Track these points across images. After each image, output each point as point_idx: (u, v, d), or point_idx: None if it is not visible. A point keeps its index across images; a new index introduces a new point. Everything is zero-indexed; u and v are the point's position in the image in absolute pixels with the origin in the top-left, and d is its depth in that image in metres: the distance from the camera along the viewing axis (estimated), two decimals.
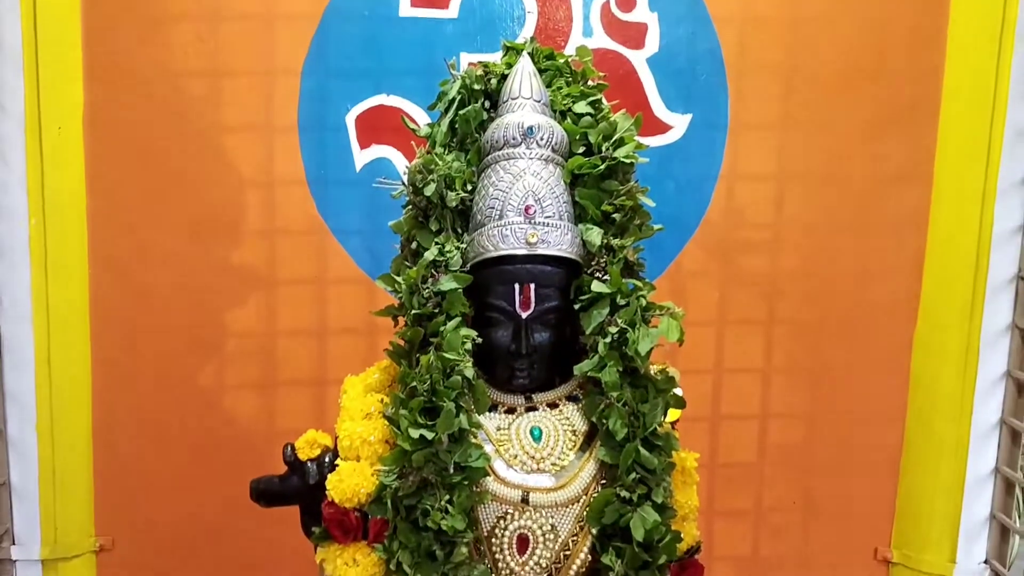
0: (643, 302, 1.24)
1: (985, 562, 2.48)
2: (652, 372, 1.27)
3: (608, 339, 1.23)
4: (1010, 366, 2.39)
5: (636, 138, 1.31)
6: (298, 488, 1.28)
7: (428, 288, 1.23)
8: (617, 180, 1.30)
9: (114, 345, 2.49)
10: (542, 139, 1.28)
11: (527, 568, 1.25)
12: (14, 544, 2.47)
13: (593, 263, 1.27)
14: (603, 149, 1.29)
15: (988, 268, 2.32)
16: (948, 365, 2.42)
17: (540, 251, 1.24)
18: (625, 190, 1.28)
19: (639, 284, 1.26)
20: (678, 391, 1.28)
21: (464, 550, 1.18)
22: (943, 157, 2.33)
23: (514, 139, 1.28)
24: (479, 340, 1.23)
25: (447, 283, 1.23)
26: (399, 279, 1.25)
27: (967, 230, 2.33)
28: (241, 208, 2.36)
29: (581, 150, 1.31)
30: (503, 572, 1.25)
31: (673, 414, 1.30)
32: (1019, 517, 2.44)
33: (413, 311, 1.22)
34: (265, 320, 2.48)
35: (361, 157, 2.29)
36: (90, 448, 2.52)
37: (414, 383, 1.19)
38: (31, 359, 2.39)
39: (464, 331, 1.22)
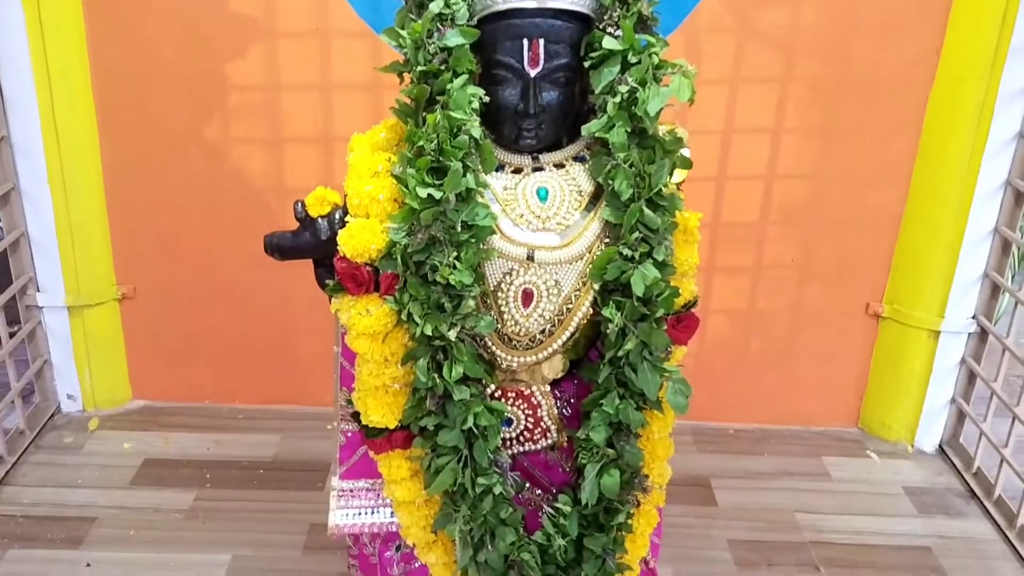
0: (655, 60, 1.21)
1: (973, 317, 2.58)
2: (660, 132, 1.26)
3: (617, 98, 1.21)
4: (1023, 127, 2.36)
5: None
6: (310, 243, 1.31)
7: (434, 43, 1.19)
8: None
9: (116, 99, 2.47)
10: None
11: (531, 320, 1.31)
12: (39, 291, 2.58)
13: (606, 17, 1.21)
14: None
15: (1015, 21, 2.23)
16: (962, 123, 2.39)
17: (550, 4, 1.19)
18: None
19: (652, 40, 1.21)
20: (686, 152, 1.28)
21: (471, 303, 1.23)
22: None
23: None
24: (486, 99, 1.21)
25: (453, 38, 1.18)
26: (403, 33, 1.21)
27: None
28: None
29: None
30: (508, 323, 1.31)
31: (679, 175, 1.30)
32: (1012, 276, 2.51)
33: (419, 68, 1.19)
34: (267, 73, 2.43)
35: None
36: (103, 201, 2.57)
37: (421, 142, 1.18)
38: (35, 112, 2.38)
39: (471, 89, 1.19)
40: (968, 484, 2.57)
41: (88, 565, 2.13)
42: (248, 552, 2.19)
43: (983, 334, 2.58)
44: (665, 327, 1.30)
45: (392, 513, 1.45)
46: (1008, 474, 2.44)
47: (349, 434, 1.48)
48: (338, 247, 1.23)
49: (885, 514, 2.46)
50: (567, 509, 1.38)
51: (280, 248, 1.32)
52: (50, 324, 2.63)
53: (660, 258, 1.26)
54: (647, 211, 1.23)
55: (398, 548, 1.57)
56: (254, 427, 2.70)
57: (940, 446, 2.74)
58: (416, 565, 1.51)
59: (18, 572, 2.10)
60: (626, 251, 1.25)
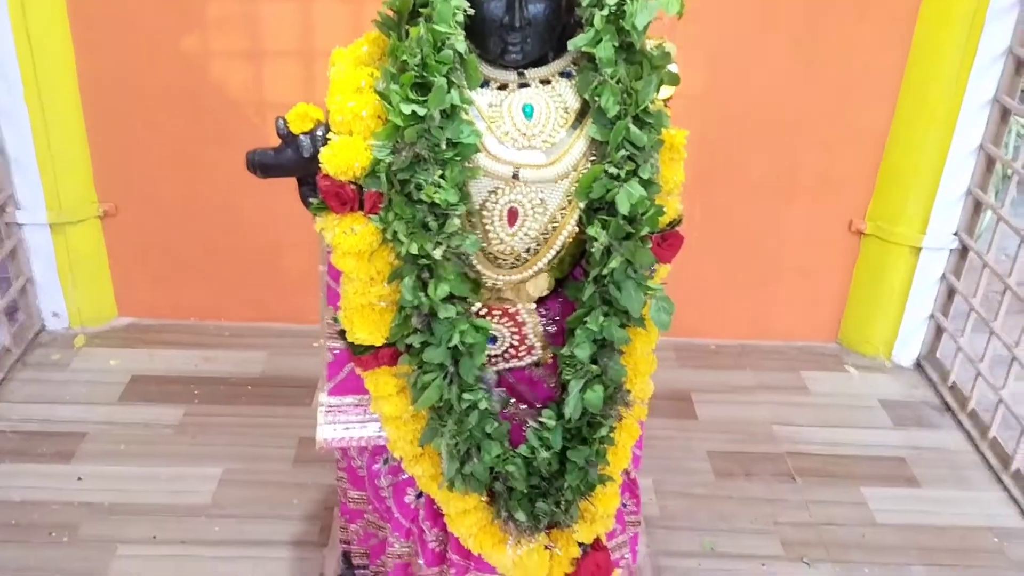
0: None
1: (955, 234, 2.60)
2: (648, 47, 1.24)
3: (605, 12, 1.18)
4: (1012, 42, 2.34)
5: None
6: (293, 161, 1.29)
7: None
8: None
9: (92, 11, 2.40)
10: None
11: (516, 238, 1.31)
12: (18, 209, 2.55)
13: None
14: None
15: None
16: (951, 38, 2.37)
17: None
18: None
19: None
20: (673, 67, 1.26)
21: (456, 221, 1.23)
22: None
23: None
24: (471, 12, 1.18)
25: None
26: None
27: None
28: None
29: None
30: (494, 242, 1.31)
31: (667, 91, 1.29)
32: (995, 194, 2.52)
33: None
34: None
35: None
36: (81, 116, 2.52)
37: (404, 57, 1.16)
38: (8, 28, 2.31)
39: (455, 1, 1.16)
40: (943, 398, 2.64)
41: (79, 479, 2.17)
42: (239, 465, 2.23)
43: (964, 251, 2.60)
44: (650, 245, 1.30)
45: (379, 428, 1.47)
46: (983, 388, 2.50)
47: (336, 351, 1.49)
48: (321, 165, 1.22)
49: (861, 426, 2.53)
50: (551, 423, 1.41)
51: (262, 166, 1.30)
52: (32, 242, 2.61)
53: (646, 176, 1.25)
54: (633, 128, 1.22)
55: (386, 461, 1.60)
56: (241, 344, 2.72)
57: (917, 361, 2.80)
58: (404, 477, 1.55)
59: (10, 486, 2.14)
60: (612, 169, 1.24)
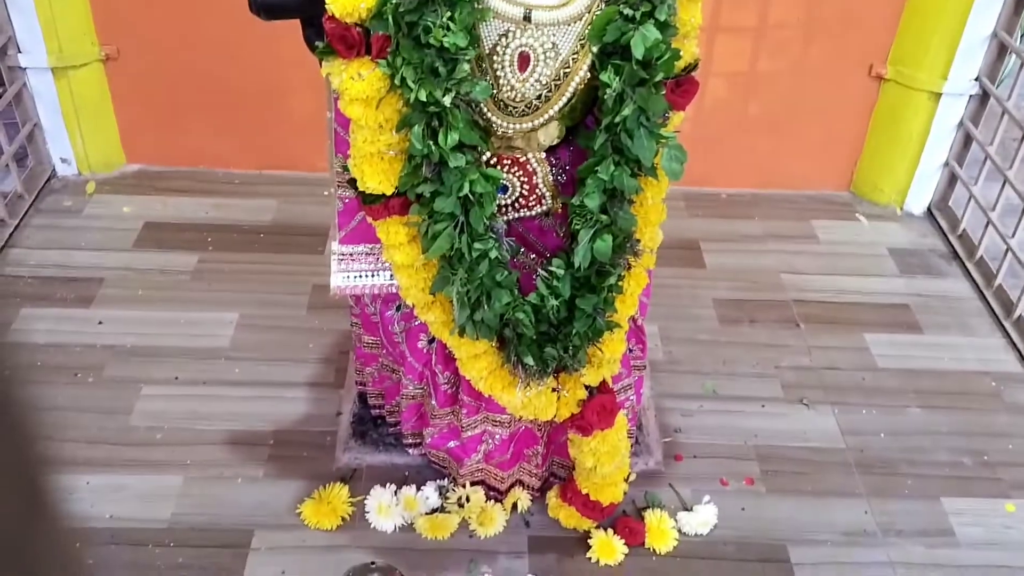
0: None
1: (976, 79, 2.53)
2: None
3: None
4: None
5: None
6: (297, 1, 1.26)
7: None
8: None
9: None
10: None
11: (527, 84, 1.29)
12: (20, 52, 2.50)
13: None
14: None
15: None
16: None
17: None
18: None
19: None
20: None
21: (466, 67, 1.20)
22: None
23: None
24: None
25: None
26: None
27: None
28: None
29: None
30: (504, 88, 1.29)
31: None
32: (1020, 37, 2.43)
33: None
34: None
35: None
36: None
37: None
38: None
39: None
40: (952, 245, 2.64)
41: (100, 323, 2.22)
42: (254, 311, 2.28)
43: (984, 97, 2.54)
44: (664, 92, 1.28)
45: (391, 276, 1.49)
46: (992, 236, 2.50)
47: (347, 200, 1.49)
48: (326, 6, 1.18)
49: (868, 274, 2.55)
50: (560, 272, 1.43)
51: (266, 7, 1.27)
52: (36, 86, 2.57)
53: (662, 18, 1.22)
54: None
55: (398, 308, 1.64)
56: (250, 192, 2.72)
57: (929, 209, 2.78)
58: (416, 323, 1.59)
59: (33, 329, 2.19)
60: (627, 10, 1.20)
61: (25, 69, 2.53)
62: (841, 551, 1.80)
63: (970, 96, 2.55)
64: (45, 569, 0.46)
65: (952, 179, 2.71)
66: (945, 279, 2.54)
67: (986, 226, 2.50)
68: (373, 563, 1.68)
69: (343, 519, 1.78)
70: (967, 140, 2.62)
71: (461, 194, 1.29)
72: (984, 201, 2.52)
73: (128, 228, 2.55)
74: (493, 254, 1.36)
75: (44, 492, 0.45)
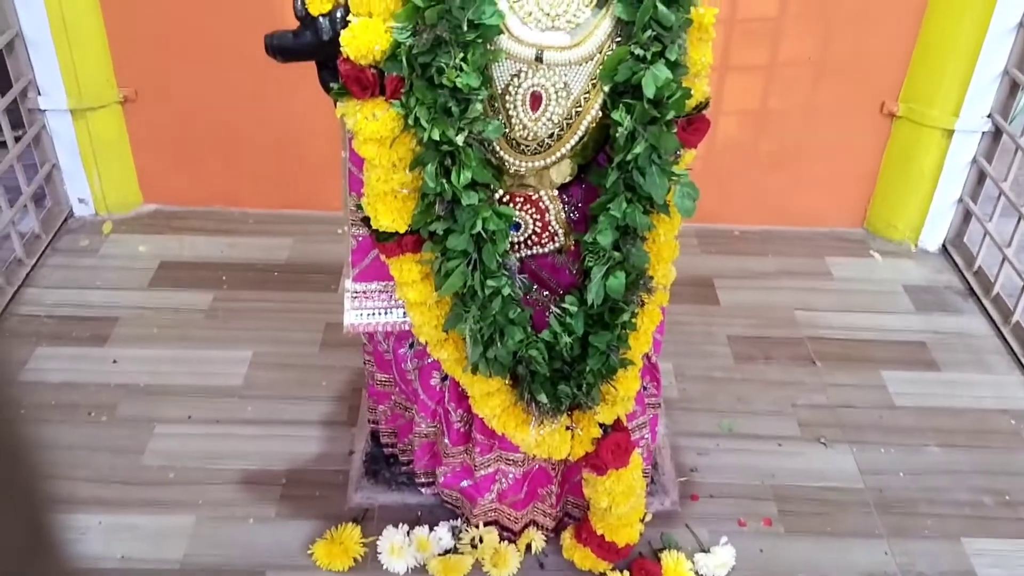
0: None
1: (988, 116, 2.53)
2: None
3: None
4: None
5: None
6: (312, 44, 1.27)
7: None
8: None
9: None
10: None
11: (539, 123, 1.29)
12: (40, 95, 2.54)
13: None
14: None
15: None
16: None
17: None
18: None
19: None
20: None
21: (479, 106, 1.21)
22: None
23: None
24: None
25: None
26: None
27: None
28: None
29: None
30: (516, 127, 1.30)
31: None
32: None
33: None
34: None
35: None
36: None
37: None
38: None
39: None
40: (968, 282, 2.63)
41: (115, 362, 2.23)
42: (268, 348, 2.28)
43: (997, 133, 2.54)
44: (675, 130, 1.28)
45: (404, 313, 1.49)
46: (1008, 272, 2.48)
47: (360, 238, 1.50)
48: (341, 48, 1.20)
49: (883, 311, 2.53)
50: (573, 308, 1.43)
51: (281, 49, 1.29)
52: (55, 128, 2.61)
53: (673, 57, 1.23)
54: (661, 7, 1.18)
55: (411, 345, 1.64)
56: (265, 231, 2.74)
57: (944, 245, 2.77)
58: (429, 360, 1.58)
59: (48, 368, 2.20)
60: (638, 50, 1.21)
61: (44, 111, 2.57)
62: None
63: (983, 133, 2.55)
64: None
65: (966, 215, 2.70)
66: (961, 316, 2.52)
67: (1002, 262, 2.49)
68: None
69: (355, 560, 1.76)
70: (981, 176, 2.62)
71: (474, 232, 1.30)
72: (999, 237, 2.51)
73: (144, 267, 2.57)
74: (506, 291, 1.36)
75: (49, 531, 0.45)
